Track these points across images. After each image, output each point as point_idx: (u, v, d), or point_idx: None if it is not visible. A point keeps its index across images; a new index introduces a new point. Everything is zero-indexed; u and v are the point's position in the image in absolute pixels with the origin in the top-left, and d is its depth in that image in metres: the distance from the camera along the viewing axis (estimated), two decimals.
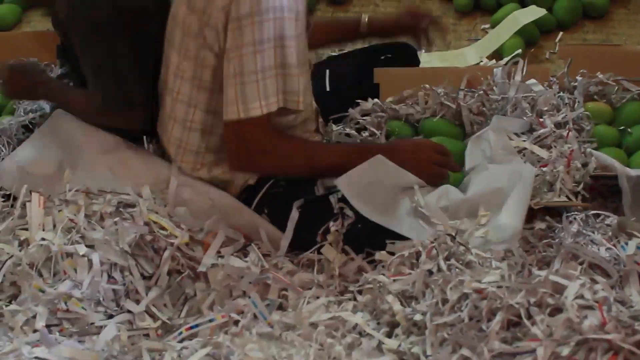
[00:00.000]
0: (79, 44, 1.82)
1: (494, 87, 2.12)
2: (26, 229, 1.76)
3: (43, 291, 1.61)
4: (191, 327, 1.59)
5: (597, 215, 1.75)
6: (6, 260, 1.68)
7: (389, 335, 1.49)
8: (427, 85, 2.13)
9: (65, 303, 1.58)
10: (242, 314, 1.60)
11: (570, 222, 1.71)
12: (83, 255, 1.67)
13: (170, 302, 1.70)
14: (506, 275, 1.46)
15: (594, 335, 1.26)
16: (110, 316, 1.62)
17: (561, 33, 2.85)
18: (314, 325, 1.51)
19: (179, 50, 1.77)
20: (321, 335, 1.47)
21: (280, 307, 1.64)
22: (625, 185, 1.82)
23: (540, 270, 1.49)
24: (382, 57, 2.25)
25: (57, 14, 1.86)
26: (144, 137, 1.97)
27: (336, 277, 1.70)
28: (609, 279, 1.49)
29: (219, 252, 1.74)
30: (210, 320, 1.59)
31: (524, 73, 2.12)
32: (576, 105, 2.08)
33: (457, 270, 1.53)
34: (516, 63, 2.15)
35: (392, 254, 1.66)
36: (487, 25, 2.91)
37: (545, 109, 2.01)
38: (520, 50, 2.57)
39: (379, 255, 1.68)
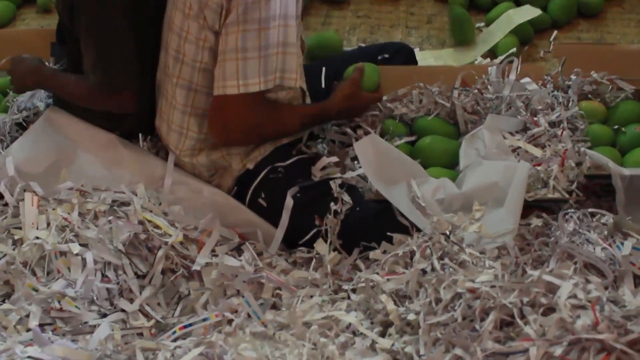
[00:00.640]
0: (85, 23, 1.83)
1: (489, 86, 2.12)
2: (20, 228, 1.76)
3: (36, 290, 1.60)
4: (185, 326, 1.59)
5: (593, 214, 1.74)
6: (0, 259, 1.68)
7: (383, 334, 1.49)
8: (422, 84, 2.13)
9: (59, 302, 1.58)
10: (236, 313, 1.59)
11: (567, 220, 1.71)
12: (77, 254, 1.67)
13: (164, 301, 1.70)
14: (500, 274, 1.46)
15: (586, 335, 1.26)
16: (104, 315, 1.62)
17: (556, 32, 2.85)
18: (307, 324, 1.51)
19: (180, 33, 1.78)
20: (314, 334, 1.47)
21: (275, 306, 1.64)
22: (619, 184, 1.82)
23: (534, 270, 1.49)
24: (380, 57, 2.25)
25: None
26: (139, 135, 1.97)
27: (330, 276, 1.70)
28: (604, 279, 1.50)
29: (213, 250, 1.74)
30: (204, 320, 1.59)
31: (518, 72, 2.12)
32: (570, 104, 2.07)
33: (450, 269, 1.53)
34: (511, 62, 2.15)
35: (386, 253, 1.67)
36: (482, 24, 2.90)
37: (540, 107, 2.01)
38: (514, 49, 2.57)
39: (373, 254, 1.68)
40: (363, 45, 2.72)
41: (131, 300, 1.65)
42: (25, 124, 2.11)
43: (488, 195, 1.74)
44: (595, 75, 2.19)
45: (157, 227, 1.75)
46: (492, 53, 2.72)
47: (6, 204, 1.84)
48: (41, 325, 1.55)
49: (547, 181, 1.82)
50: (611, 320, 1.28)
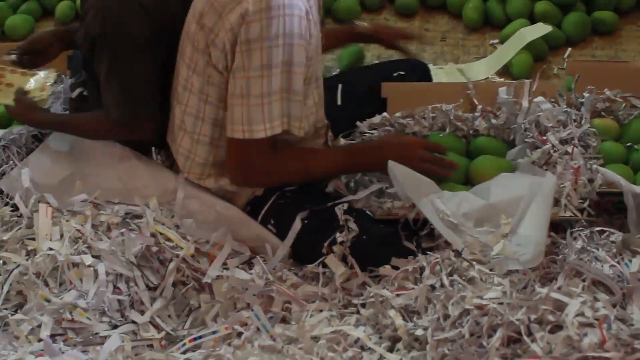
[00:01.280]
0: (108, 58, 1.84)
1: (502, 107, 2.12)
2: (34, 239, 1.78)
3: (49, 301, 1.62)
4: (195, 339, 1.59)
5: (602, 232, 1.75)
6: (13, 269, 1.71)
7: (391, 349, 1.50)
8: (438, 106, 2.14)
9: (70, 313, 1.60)
10: (245, 326, 1.60)
11: (575, 238, 1.72)
12: (89, 266, 1.69)
13: (175, 313, 1.71)
14: (508, 291, 1.46)
15: (593, 353, 1.26)
16: (115, 326, 1.63)
17: (570, 49, 2.84)
18: (315, 338, 1.51)
19: (189, 64, 1.79)
20: (322, 349, 1.48)
21: (284, 320, 1.65)
22: (631, 202, 1.82)
23: (543, 287, 1.49)
24: (395, 74, 2.26)
25: (87, 31, 1.87)
26: (153, 148, 1.99)
27: (340, 291, 1.70)
28: (613, 296, 1.49)
29: (224, 264, 1.76)
30: (214, 332, 1.60)
31: (531, 93, 2.11)
32: (583, 121, 2.07)
33: (459, 285, 1.53)
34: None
35: (397, 268, 1.67)
36: (496, 41, 2.90)
37: (550, 125, 2.01)
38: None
39: (383, 269, 1.69)
40: (377, 61, 2.73)
41: (142, 312, 1.66)
42: (41, 136, 2.13)
43: (513, 208, 1.73)
44: (609, 92, 2.19)
45: (169, 239, 1.77)
46: (506, 69, 2.73)
47: (21, 215, 1.86)
48: (52, 336, 1.57)
49: (560, 199, 1.81)
50: (618, 338, 1.28)
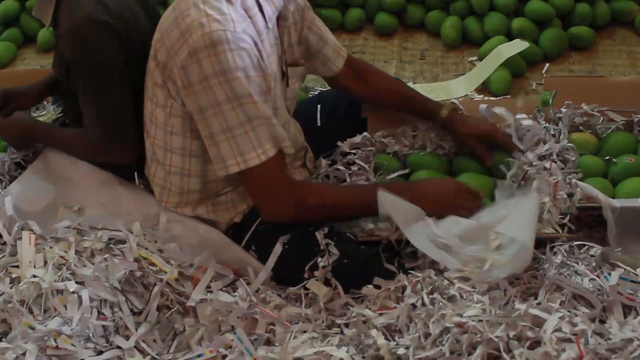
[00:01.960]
0: (82, 83, 1.85)
1: None
2: (17, 266, 1.78)
3: (33, 328, 1.62)
4: None
5: (581, 246, 1.77)
6: None
7: None
8: (418, 126, 2.17)
9: (55, 340, 1.60)
10: (230, 348, 1.61)
11: (555, 253, 1.74)
12: (73, 292, 1.69)
13: (160, 338, 1.71)
14: (487, 308, 1.47)
15: None
16: (100, 352, 1.63)
17: (547, 64, 2.89)
18: None
19: (152, 98, 1.79)
20: None
21: (268, 342, 1.65)
22: (610, 216, 1.84)
23: (523, 303, 1.50)
24: None
25: (61, 57, 1.88)
26: (135, 173, 2.00)
27: (323, 311, 1.71)
28: (593, 310, 1.51)
29: (208, 287, 1.76)
30: (199, 356, 1.60)
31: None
32: (561, 136, 2.10)
33: (440, 304, 1.55)
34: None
35: (379, 287, 1.69)
36: (474, 58, 2.95)
37: (530, 145, 2.03)
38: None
39: (365, 289, 1.70)
40: None
41: (127, 337, 1.66)
42: (24, 164, 2.14)
43: (501, 227, 1.73)
44: (586, 107, 2.22)
45: (152, 264, 1.77)
46: (485, 86, 2.76)
47: (4, 243, 1.86)
48: None
49: (541, 215, 1.81)
50: (596, 353, 1.30)
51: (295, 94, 2.00)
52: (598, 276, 1.63)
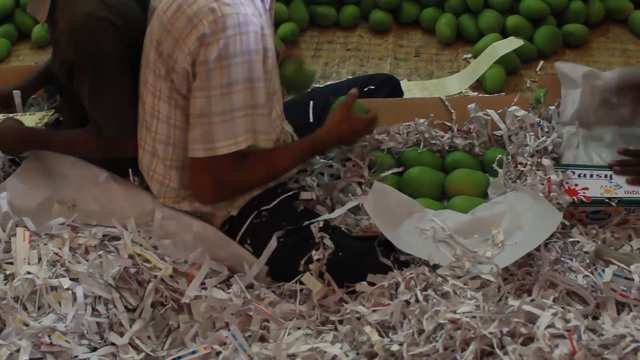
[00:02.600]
0: (89, 80, 1.84)
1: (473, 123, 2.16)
2: (12, 263, 1.78)
3: (27, 325, 1.62)
4: (174, 359, 1.60)
5: (575, 242, 1.77)
6: None
7: None
8: (412, 123, 2.17)
9: (49, 336, 1.60)
10: (224, 345, 1.61)
11: (549, 249, 1.74)
12: (67, 289, 1.69)
13: (154, 334, 1.71)
14: (481, 305, 1.48)
15: None
16: (94, 349, 1.63)
17: (542, 62, 2.91)
18: (292, 356, 1.52)
19: (153, 92, 1.80)
20: None
21: (263, 338, 1.66)
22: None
23: (517, 299, 1.51)
24: (365, 89, 2.28)
25: (62, 56, 1.88)
26: (129, 170, 2.00)
27: (317, 308, 1.72)
28: (587, 306, 1.52)
29: (202, 283, 1.76)
30: (193, 352, 1.60)
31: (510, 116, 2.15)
32: (553, 132, 2.11)
33: (434, 300, 1.55)
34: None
35: (373, 284, 1.69)
36: (469, 55, 2.96)
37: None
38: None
39: (359, 286, 1.70)
40: (351, 77, 2.76)
41: (121, 334, 1.67)
42: (18, 160, 2.13)
43: (499, 220, 1.77)
44: None
45: (147, 260, 1.77)
46: (479, 83, 2.77)
47: None
48: None
49: None
50: (589, 349, 1.30)
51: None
52: (592, 273, 1.64)
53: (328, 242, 1.77)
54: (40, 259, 1.77)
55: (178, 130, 1.80)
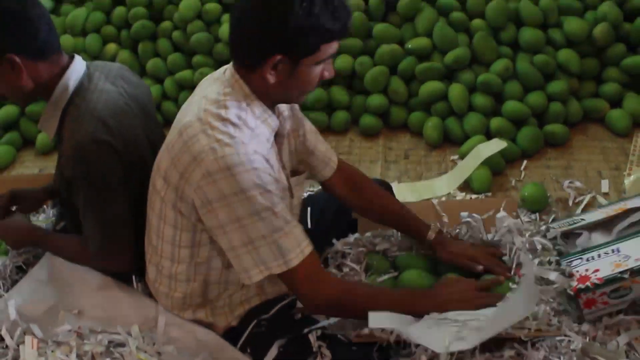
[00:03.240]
0: (83, 197, 1.91)
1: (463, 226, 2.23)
2: None
3: None
4: None
5: (562, 340, 1.81)
6: None
7: None
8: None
9: None
10: None
11: (537, 349, 1.78)
12: None
13: None
14: None
15: None
16: None
17: (525, 161, 2.98)
18: None
19: (160, 215, 1.83)
20: None
21: None
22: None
23: None
24: None
25: (62, 172, 1.96)
26: (133, 276, 2.05)
27: None
28: None
29: None
30: None
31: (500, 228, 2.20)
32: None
33: None
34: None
35: None
36: (456, 157, 3.03)
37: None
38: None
39: None
40: None
41: None
42: (24, 267, 2.19)
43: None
44: None
45: None
46: (467, 184, 2.85)
47: (6, 347, 1.89)
48: None
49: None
50: None
51: (299, 202, 2.06)
52: None
53: (325, 351, 1.80)
54: None
55: (183, 249, 1.84)
